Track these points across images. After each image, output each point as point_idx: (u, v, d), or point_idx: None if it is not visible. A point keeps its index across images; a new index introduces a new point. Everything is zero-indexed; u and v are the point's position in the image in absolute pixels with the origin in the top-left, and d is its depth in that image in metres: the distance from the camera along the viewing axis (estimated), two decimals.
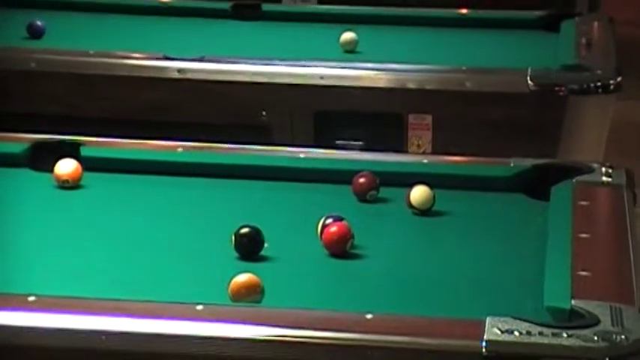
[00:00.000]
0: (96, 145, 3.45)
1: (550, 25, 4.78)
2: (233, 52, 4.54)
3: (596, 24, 4.14)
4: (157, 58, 4.42)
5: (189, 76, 4.21)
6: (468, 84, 4.12)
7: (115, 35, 5.25)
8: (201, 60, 4.29)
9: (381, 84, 4.11)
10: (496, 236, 3.01)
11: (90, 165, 3.34)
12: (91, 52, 4.65)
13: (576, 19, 4.17)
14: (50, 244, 2.93)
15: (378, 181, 3.19)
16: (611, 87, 4.11)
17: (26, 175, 3.35)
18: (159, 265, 2.79)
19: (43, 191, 3.29)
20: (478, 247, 2.97)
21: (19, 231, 3.01)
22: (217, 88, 4.13)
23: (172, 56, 4.39)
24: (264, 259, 2.77)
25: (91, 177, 3.30)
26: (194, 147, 3.48)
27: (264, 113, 4.00)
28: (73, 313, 2.37)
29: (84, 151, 3.38)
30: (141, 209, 3.25)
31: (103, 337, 2.32)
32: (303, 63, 4.26)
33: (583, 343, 2.14)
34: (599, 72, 4.32)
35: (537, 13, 4.80)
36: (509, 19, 4.98)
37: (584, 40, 4.18)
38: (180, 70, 4.19)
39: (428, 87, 4.10)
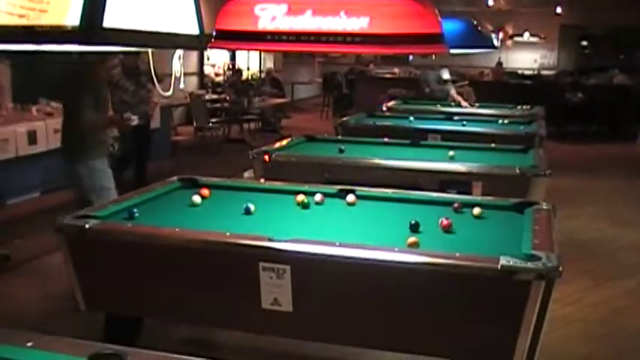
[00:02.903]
0: (362, 191, 3.51)
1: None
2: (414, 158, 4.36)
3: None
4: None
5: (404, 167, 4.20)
6: (495, 171, 4.16)
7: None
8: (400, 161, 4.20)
9: (463, 170, 4.16)
10: (505, 226, 3.05)
11: (361, 198, 3.45)
12: None
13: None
14: (347, 223, 3.13)
15: (462, 205, 3.29)
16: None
17: (337, 203, 3.39)
18: (384, 234, 2.90)
19: (342, 207, 3.38)
20: (498, 230, 3.01)
21: (331, 221, 3.16)
22: (407, 174, 4.12)
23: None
24: (418, 232, 2.85)
25: (360, 202, 3.41)
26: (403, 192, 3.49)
27: (420, 180, 4.00)
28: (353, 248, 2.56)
29: (358, 192, 3.47)
30: (379, 212, 3.31)
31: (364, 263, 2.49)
32: (434, 164, 4.27)
33: (534, 266, 2.32)
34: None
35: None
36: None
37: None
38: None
39: (480, 172, 4.12)
